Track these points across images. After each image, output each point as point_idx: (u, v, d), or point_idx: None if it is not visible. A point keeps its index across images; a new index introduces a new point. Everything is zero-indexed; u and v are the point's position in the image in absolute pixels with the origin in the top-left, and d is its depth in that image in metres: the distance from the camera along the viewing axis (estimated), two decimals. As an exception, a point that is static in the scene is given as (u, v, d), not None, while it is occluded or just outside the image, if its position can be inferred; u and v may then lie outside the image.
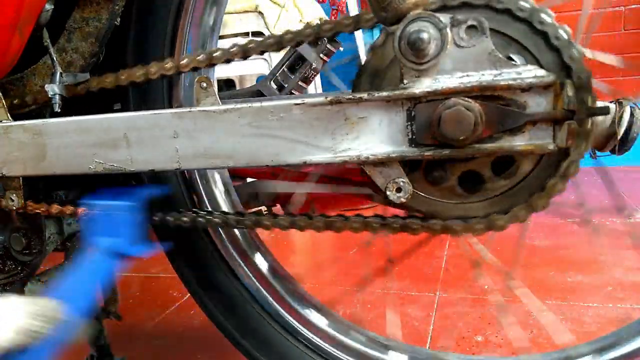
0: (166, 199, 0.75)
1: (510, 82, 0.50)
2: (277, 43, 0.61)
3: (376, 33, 0.59)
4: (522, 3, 0.51)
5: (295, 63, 0.94)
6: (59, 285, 0.64)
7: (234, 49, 0.63)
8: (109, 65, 0.72)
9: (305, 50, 0.88)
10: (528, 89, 0.51)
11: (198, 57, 0.64)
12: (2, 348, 0.47)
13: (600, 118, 0.62)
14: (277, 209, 0.97)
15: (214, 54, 0.63)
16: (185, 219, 0.69)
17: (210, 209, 0.76)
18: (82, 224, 0.72)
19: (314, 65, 0.92)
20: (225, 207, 0.78)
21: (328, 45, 0.91)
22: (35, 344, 0.50)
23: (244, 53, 0.63)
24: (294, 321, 0.77)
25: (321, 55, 0.92)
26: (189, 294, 0.83)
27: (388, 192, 0.56)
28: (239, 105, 0.59)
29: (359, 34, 0.75)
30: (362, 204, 2.13)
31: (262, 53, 0.63)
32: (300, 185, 0.79)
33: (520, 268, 1.53)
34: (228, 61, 0.64)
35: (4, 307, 0.48)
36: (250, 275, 0.78)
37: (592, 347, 0.67)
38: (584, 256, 1.59)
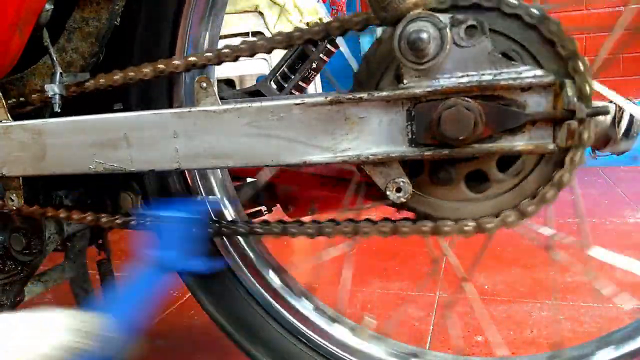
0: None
1: (510, 82, 0.50)
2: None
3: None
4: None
5: (295, 63, 0.94)
6: (106, 299, 0.61)
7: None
8: (109, 65, 0.72)
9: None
10: (528, 88, 0.51)
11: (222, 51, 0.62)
12: None
13: (600, 118, 0.62)
14: (277, 209, 0.97)
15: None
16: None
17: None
18: (136, 236, 0.69)
19: (314, 65, 0.92)
20: (225, 208, 0.78)
21: (328, 45, 0.92)
22: None
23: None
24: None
25: (321, 55, 0.92)
26: (190, 294, 0.83)
27: (388, 192, 0.56)
28: (239, 105, 0.59)
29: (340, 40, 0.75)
30: (363, 204, 2.13)
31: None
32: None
33: (520, 268, 1.53)
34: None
35: (42, 321, 0.45)
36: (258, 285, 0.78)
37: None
38: (584, 256, 1.59)
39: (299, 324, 0.77)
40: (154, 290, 0.63)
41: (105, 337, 0.49)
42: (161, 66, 0.64)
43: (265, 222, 0.68)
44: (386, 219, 0.60)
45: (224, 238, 0.76)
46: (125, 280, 0.63)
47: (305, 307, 0.78)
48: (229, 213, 0.77)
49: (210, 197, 0.76)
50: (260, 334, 0.77)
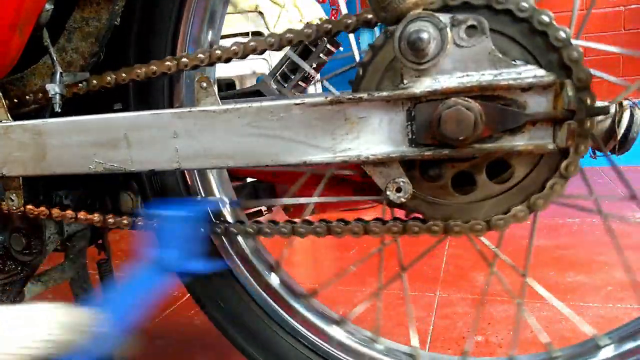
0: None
1: (510, 82, 0.50)
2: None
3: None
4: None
5: (295, 63, 0.94)
6: (104, 296, 0.59)
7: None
8: (109, 65, 0.72)
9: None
10: (528, 88, 0.50)
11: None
12: (30, 358, 0.42)
13: (600, 118, 0.62)
14: (278, 209, 0.97)
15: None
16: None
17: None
18: (137, 235, 0.68)
19: (314, 65, 0.92)
20: (224, 208, 0.78)
21: (328, 46, 0.92)
22: (65, 356, 0.45)
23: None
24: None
25: (321, 55, 0.92)
26: (189, 294, 0.83)
27: (388, 192, 0.56)
28: (239, 105, 0.59)
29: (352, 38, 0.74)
30: (362, 204, 2.13)
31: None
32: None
33: (519, 268, 1.53)
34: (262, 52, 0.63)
35: (32, 314, 0.44)
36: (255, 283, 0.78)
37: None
38: (584, 256, 1.59)
39: (297, 323, 0.77)
40: (153, 290, 0.62)
41: (97, 333, 0.48)
42: (168, 63, 0.64)
43: (273, 222, 0.67)
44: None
45: (224, 239, 0.76)
46: (124, 278, 0.63)
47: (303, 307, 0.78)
48: (230, 213, 0.77)
49: (210, 197, 0.76)
50: (259, 334, 0.77)
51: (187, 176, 0.76)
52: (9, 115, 0.70)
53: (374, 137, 0.55)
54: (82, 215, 0.72)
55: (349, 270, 0.78)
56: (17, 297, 0.85)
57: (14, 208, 0.73)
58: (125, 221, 0.71)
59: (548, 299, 0.69)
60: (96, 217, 0.72)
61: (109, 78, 0.67)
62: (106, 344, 0.51)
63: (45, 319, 0.43)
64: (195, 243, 0.66)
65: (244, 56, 0.62)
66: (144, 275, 0.63)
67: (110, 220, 0.72)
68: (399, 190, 0.56)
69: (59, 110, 0.68)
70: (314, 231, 0.64)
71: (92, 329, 0.46)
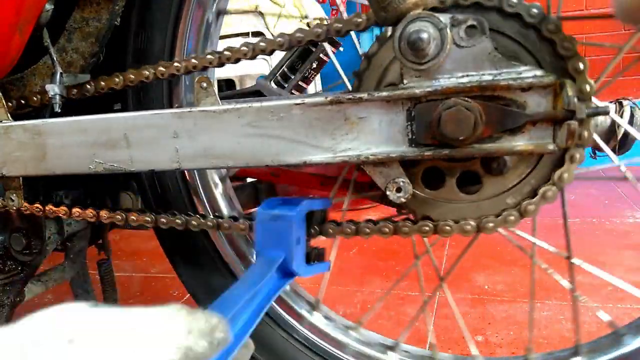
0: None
1: (510, 82, 0.50)
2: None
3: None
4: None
5: (295, 63, 0.94)
6: (224, 298, 0.50)
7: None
8: (109, 66, 0.72)
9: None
10: (528, 88, 0.50)
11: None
12: None
13: (600, 118, 0.62)
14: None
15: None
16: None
17: (210, 211, 0.76)
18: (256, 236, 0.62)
19: (314, 65, 0.92)
20: (225, 208, 0.78)
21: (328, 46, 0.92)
22: None
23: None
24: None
25: (321, 55, 0.92)
26: (189, 294, 0.83)
27: (388, 192, 0.56)
28: (239, 105, 0.59)
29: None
30: (361, 204, 2.13)
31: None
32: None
33: (519, 268, 1.53)
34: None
35: (159, 319, 0.36)
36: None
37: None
38: (584, 256, 1.59)
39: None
40: (274, 295, 0.56)
41: (223, 342, 0.39)
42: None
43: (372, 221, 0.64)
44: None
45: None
46: (242, 281, 0.55)
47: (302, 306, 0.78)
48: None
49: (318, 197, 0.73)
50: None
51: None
52: (9, 115, 0.70)
53: (374, 137, 0.55)
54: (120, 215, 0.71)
55: (378, 303, 0.77)
56: (17, 297, 0.85)
57: (14, 208, 0.73)
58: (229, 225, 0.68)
59: (600, 275, 0.72)
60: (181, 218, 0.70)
61: (117, 79, 0.67)
62: (227, 355, 0.43)
63: (175, 327, 0.36)
64: (305, 245, 0.61)
65: (253, 57, 0.62)
66: (268, 280, 0.56)
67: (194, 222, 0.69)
68: (399, 190, 0.56)
69: (59, 111, 0.68)
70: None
71: (224, 337, 0.39)
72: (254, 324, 0.50)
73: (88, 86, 0.68)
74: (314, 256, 0.63)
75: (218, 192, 0.78)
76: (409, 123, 0.54)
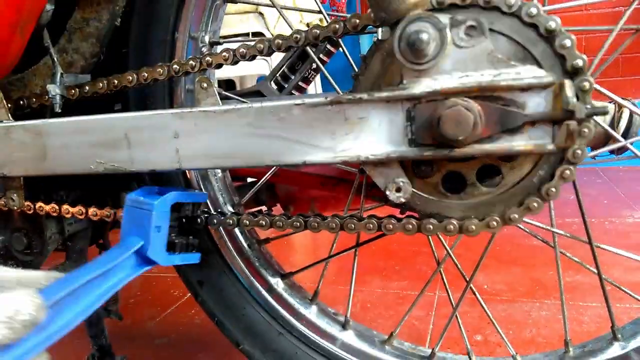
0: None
1: (510, 82, 0.51)
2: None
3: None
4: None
5: (296, 63, 0.94)
6: (63, 279, 0.50)
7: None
8: (110, 66, 0.73)
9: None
10: (527, 89, 0.51)
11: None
12: None
13: (600, 118, 0.63)
14: (278, 209, 0.98)
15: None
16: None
17: (211, 209, 0.77)
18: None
19: (314, 65, 0.92)
20: (225, 206, 0.78)
21: (328, 46, 0.92)
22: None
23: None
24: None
25: (321, 55, 0.92)
26: (190, 294, 0.83)
27: (388, 192, 0.56)
28: (239, 106, 0.59)
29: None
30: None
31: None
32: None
33: (519, 267, 1.53)
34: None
35: None
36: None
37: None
38: (583, 256, 1.59)
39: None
40: (126, 280, 0.57)
41: (30, 323, 0.38)
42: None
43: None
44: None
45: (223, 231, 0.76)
46: (92, 264, 0.55)
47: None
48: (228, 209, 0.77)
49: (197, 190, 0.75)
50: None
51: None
52: (9, 115, 0.70)
53: (374, 138, 0.55)
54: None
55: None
56: (17, 297, 0.85)
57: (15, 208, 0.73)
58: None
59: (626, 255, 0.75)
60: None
61: (116, 81, 0.67)
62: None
63: None
64: (166, 234, 0.62)
65: (252, 58, 0.62)
66: (118, 262, 0.57)
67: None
68: (398, 190, 0.56)
69: (60, 111, 0.68)
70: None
71: (25, 319, 0.37)
72: (97, 304, 0.51)
73: (88, 86, 0.68)
74: (180, 246, 0.66)
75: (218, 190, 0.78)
76: (409, 123, 0.54)
